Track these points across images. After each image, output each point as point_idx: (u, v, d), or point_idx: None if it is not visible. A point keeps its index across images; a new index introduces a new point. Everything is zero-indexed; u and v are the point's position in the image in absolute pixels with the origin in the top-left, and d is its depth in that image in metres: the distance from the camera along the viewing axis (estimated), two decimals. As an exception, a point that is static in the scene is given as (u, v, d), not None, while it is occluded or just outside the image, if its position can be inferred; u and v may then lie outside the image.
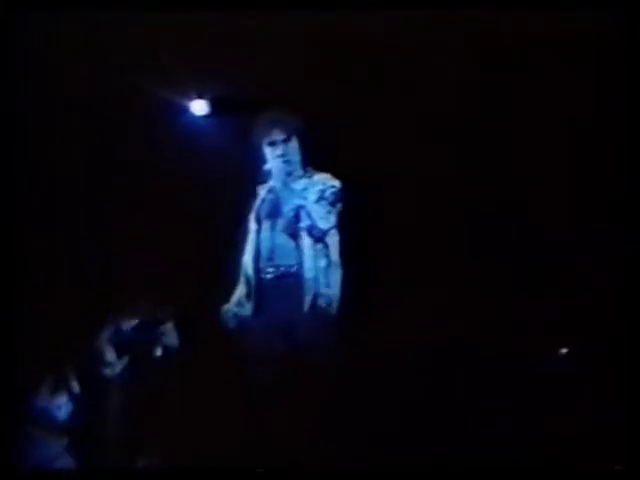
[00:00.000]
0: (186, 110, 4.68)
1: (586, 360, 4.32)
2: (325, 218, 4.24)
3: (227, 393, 4.17)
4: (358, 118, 4.61)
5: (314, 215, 4.23)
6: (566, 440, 4.09)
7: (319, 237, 4.23)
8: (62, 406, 4.44)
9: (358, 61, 4.64)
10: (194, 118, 4.69)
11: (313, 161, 4.40)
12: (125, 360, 4.54)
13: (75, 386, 4.50)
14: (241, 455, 3.95)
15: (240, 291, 4.35)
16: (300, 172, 4.34)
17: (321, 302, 4.17)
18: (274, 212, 4.32)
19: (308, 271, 4.18)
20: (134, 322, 4.61)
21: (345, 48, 4.60)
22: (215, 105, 4.68)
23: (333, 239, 4.25)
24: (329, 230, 4.24)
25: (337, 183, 4.30)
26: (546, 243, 4.50)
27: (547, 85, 4.49)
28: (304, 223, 4.22)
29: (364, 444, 3.98)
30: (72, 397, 4.47)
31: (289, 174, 4.30)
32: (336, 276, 4.21)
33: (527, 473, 3.88)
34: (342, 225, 4.29)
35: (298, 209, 4.25)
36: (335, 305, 4.19)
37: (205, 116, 4.69)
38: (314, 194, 4.28)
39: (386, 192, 4.54)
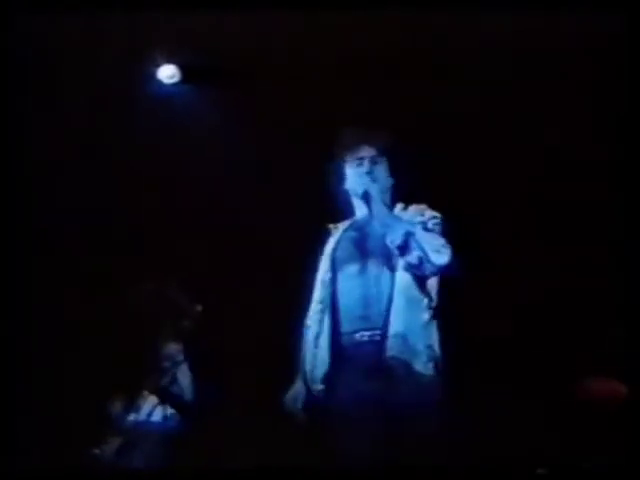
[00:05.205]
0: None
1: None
2: (440, 252, 3.27)
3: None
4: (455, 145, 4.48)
5: (427, 246, 3.26)
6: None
7: (425, 276, 3.34)
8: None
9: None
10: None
11: (406, 189, 3.55)
12: None
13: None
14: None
15: (312, 368, 3.40)
16: (388, 200, 3.48)
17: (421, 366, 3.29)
18: (362, 253, 3.40)
19: (409, 327, 3.29)
20: None
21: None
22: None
23: (433, 286, 3.40)
24: (442, 268, 3.30)
25: (438, 214, 3.42)
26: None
27: (547, 86, 4.50)
28: (413, 255, 3.26)
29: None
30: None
31: (383, 199, 3.42)
32: (433, 331, 3.35)
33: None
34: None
35: (407, 236, 3.26)
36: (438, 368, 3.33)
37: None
38: (417, 224, 3.35)
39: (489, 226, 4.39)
